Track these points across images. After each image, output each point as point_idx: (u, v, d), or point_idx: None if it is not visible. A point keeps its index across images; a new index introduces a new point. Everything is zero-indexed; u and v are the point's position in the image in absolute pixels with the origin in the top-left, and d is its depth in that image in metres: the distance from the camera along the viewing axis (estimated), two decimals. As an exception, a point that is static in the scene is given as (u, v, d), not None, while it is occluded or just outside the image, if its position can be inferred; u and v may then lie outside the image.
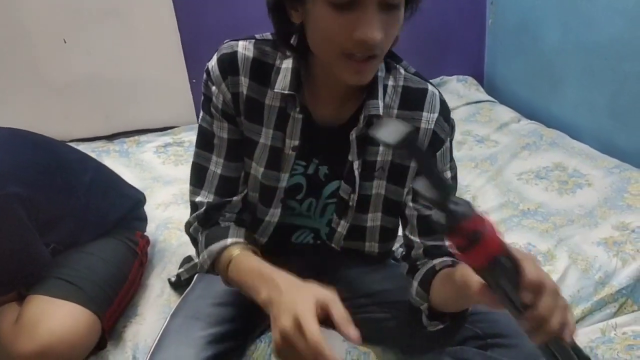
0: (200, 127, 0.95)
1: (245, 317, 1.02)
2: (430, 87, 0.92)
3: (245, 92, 0.90)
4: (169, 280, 1.31)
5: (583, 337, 1.21)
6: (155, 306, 1.27)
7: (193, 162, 0.97)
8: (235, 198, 0.96)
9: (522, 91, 2.51)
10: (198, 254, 0.96)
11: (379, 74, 0.89)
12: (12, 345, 1.04)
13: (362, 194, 0.96)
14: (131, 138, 2.28)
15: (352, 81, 0.79)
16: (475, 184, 1.87)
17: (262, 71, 0.89)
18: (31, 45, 2.15)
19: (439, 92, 0.94)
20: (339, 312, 0.69)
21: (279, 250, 1.00)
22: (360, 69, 0.77)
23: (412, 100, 0.91)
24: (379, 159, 0.94)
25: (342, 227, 1.00)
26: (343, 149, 0.92)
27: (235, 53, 0.89)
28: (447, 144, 0.94)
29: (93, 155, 1.47)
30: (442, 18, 2.60)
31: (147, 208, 1.48)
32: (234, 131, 0.93)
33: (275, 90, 0.88)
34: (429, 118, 0.91)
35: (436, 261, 0.92)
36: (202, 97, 0.93)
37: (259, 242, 1.01)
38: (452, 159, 0.97)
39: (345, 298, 1.06)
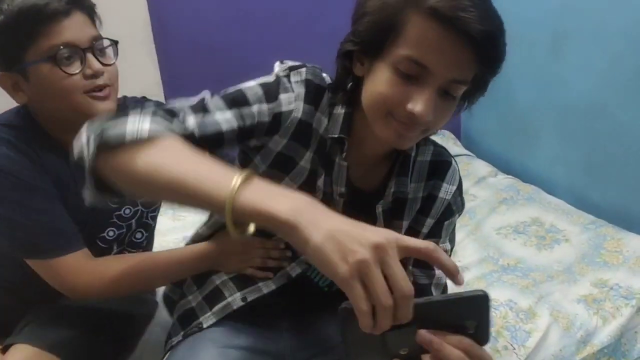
0: (238, 90, 0.84)
1: None
2: (453, 162, 0.98)
3: (320, 131, 0.88)
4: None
5: (567, 398, 1.20)
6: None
7: (202, 100, 0.83)
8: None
9: (498, 146, 2.57)
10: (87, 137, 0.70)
11: (412, 153, 0.92)
12: None
13: None
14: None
15: (390, 141, 0.80)
16: (455, 238, 1.88)
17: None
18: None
19: (458, 168, 0.99)
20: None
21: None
22: (400, 132, 0.78)
23: (436, 172, 0.96)
24: (404, 232, 0.95)
25: None
26: (363, 212, 0.93)
27: (325, 90, 0.88)
28: (455, 218, 1.00)
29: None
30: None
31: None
32: (266, 132, 0.85)
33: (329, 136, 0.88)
34: (447, 189, 0.96)
35: None
36: (266, 83, 0.85)
37: (261, 292, 0.98)
38: (453, 232, 1.02)
39: (327, 347, 1.03)
